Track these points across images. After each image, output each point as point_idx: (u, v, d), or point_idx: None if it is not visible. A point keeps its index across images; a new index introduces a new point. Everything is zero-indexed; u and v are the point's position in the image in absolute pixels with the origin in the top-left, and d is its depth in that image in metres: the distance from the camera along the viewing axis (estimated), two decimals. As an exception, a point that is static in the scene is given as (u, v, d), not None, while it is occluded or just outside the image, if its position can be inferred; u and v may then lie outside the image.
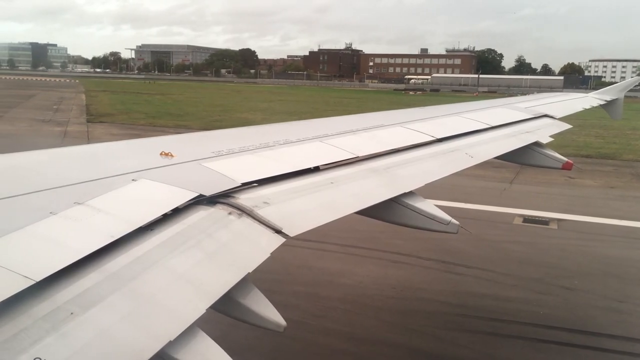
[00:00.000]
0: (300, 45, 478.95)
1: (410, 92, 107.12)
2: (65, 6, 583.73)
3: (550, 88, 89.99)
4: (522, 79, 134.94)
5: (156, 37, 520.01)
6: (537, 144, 6.09)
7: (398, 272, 9.70)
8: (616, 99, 10.26)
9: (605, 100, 10.07)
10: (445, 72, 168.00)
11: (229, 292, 2.11)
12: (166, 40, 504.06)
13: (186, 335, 1.81)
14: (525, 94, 13.40)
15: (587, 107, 9.36)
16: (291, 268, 9.46)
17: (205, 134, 4.86)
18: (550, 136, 6.44)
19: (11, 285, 1.65)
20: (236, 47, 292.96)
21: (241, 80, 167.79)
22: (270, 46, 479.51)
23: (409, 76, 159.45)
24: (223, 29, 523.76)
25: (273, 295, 2.39)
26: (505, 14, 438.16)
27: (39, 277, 1.73)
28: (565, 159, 6.23)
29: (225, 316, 2.25)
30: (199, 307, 1.93)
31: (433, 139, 4.93)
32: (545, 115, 7.35)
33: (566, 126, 7.26)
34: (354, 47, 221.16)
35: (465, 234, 10.89)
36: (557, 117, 7.48)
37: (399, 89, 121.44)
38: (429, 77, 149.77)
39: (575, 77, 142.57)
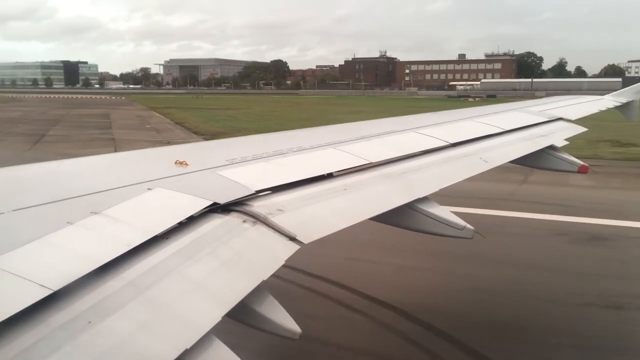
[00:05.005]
0: (318, 55, 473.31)
1: (470, 99, 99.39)
2: (89, 25, 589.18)
3: (610, 90, 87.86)
4: (582, 82, 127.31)
5: (177, 52, 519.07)
6: (552, 147, 6.03)
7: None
8: (632, 100, 10.14)
9: (621, 102, 9.96)
10: (484, 77, 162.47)
11: (244, 300, 2.11)
12: (186, 54, 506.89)
13: (202, 343, 1.81)
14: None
15: (603, 109, 9.25)
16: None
17: (219, 142, 4.91)
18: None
19: (29, 294, 1.67)
20: (254, 59, 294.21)
21: (282, 91, 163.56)
22: (287, 57, 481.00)
23: (454, 83, 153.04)
24: (241, 42, 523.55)
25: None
26: (530, 16, 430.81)
27: (57, 286, 1.74)
28: (581, 162, 6.15)
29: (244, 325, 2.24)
30: (215, 314, 1.93)
31: (447, 144, 4.90)
32: (560, 119, 7.28)
33: (581, 129, 7.18)
34: (387, 55, 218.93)
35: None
36: (572, 120, 7.40)
37: (451, 95, 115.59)
38: (478, 82, 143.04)
39: (633, 79, 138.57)
